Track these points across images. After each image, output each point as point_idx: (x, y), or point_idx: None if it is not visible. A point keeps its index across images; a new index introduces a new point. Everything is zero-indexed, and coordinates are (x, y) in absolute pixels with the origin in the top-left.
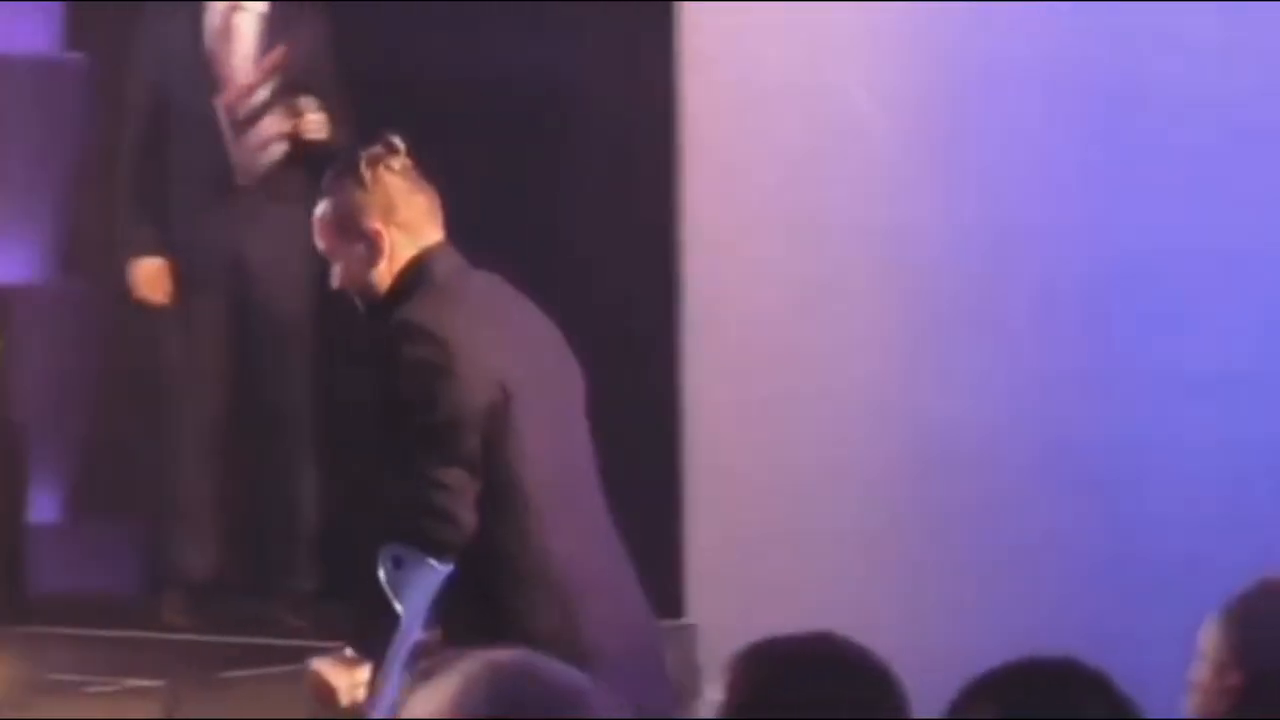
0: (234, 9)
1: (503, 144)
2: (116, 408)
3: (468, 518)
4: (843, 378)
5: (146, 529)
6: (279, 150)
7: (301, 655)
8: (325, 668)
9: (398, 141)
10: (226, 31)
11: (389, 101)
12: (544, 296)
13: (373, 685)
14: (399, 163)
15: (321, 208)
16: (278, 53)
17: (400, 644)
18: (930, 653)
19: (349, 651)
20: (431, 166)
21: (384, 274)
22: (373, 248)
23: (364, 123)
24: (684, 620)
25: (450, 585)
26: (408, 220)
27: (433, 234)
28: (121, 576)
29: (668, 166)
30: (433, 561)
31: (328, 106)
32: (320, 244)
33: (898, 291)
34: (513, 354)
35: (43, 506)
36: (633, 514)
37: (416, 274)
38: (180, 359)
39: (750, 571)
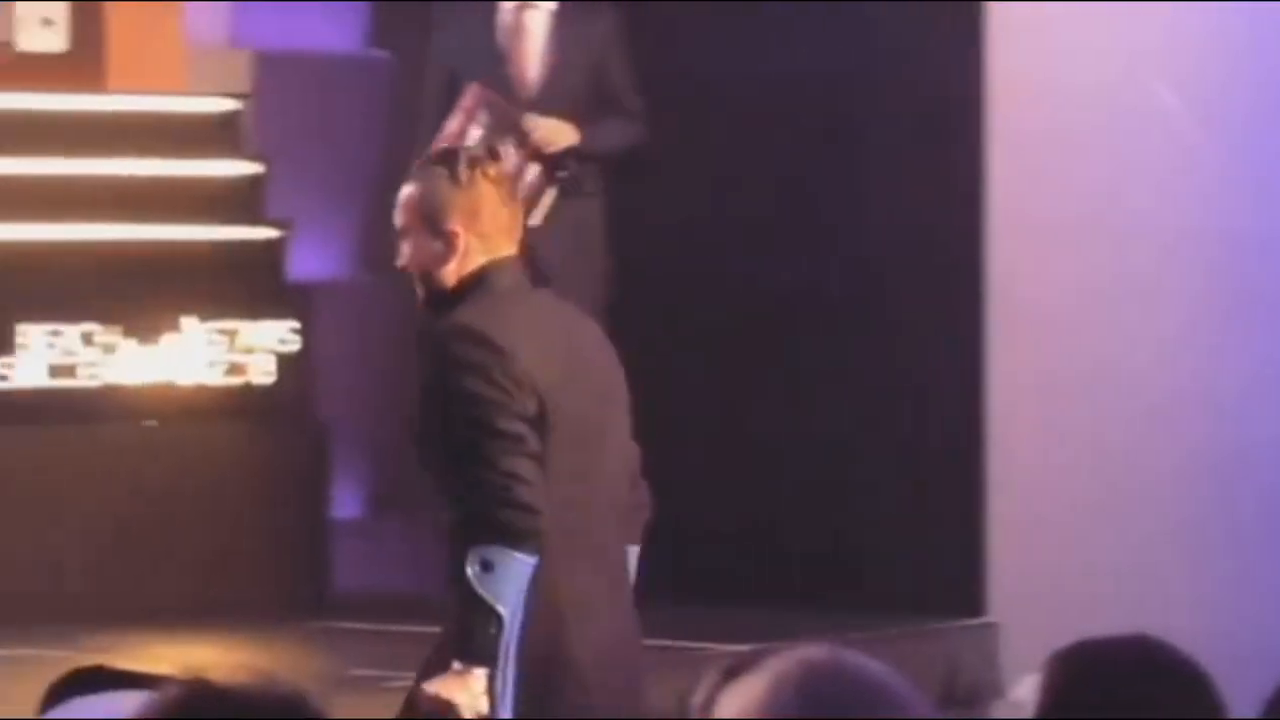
0: (524, 7)
1: (804, 141)
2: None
3: (544, 507)
4: (1147, 373)
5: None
6: (532, 172)
7: None
8: (441, 687)
9: (503, 150)
10: (518, 29)
11: (689, 98)
12: (847, 293)
13: (492, 690)
14: (496, 171)
15: (410, 188)
16: (472, 92)
17: (508, 642)
18: (1240, 649)
19: (456, 665)
20: (731, 162)
21: (451, 274)
22: (448, 247)
23: (662, 119)
24: (986, 619)
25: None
26: (488, 231)
27: (506, 248)
28: (422, 572)
29: (974, 164)
30: (519, 555)
31: (621, 103)
32: (398, 220)
33: (1198, 288)
34: (556, 371)
35: (345, 503)
36: (934, 512)
37: (480, 282)
38: None
39: (1052, 569)
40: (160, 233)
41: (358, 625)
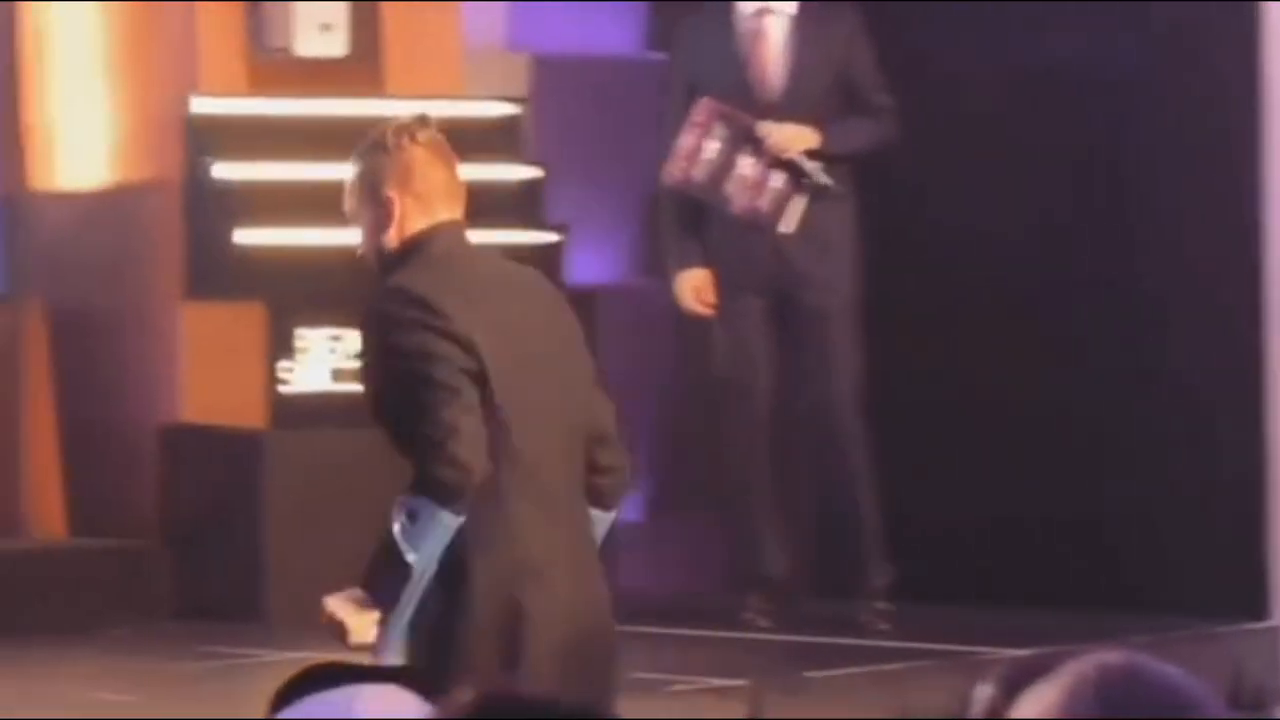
0: (764, 10)
1: (1082, 135)
2: (695, 407)
3: (480, 463)
4: None
5: (725, 528)
6: (777, 180)
7: (884, 656)
8: (339, 606)
9: (429, 116)
10: (757, 34)
11: (948, 94)
12: (1114, 288)
13: (381, 628)
14: (425, 135)
15: (350, 172)
16: (704, 107)
17: (410, 592)
18: None
19: (358, 593)
20: (990, 156)
21: (392, 239)
22: (385, 212)
23: (915, 115)
24: (1271, 622)
25: None
26: (422, 192)
27: (447, 211)
28: (701, 575)
29: (1250, 158)
30: (444, 512)
31: (869, 103)
32: (346, 207)
33: None
34: (493, 330)
35: (625, 506)
36: (1216, 515)
37: (418, 247)
38: (728, 359)
39: None
40: None
41: (639, 629)
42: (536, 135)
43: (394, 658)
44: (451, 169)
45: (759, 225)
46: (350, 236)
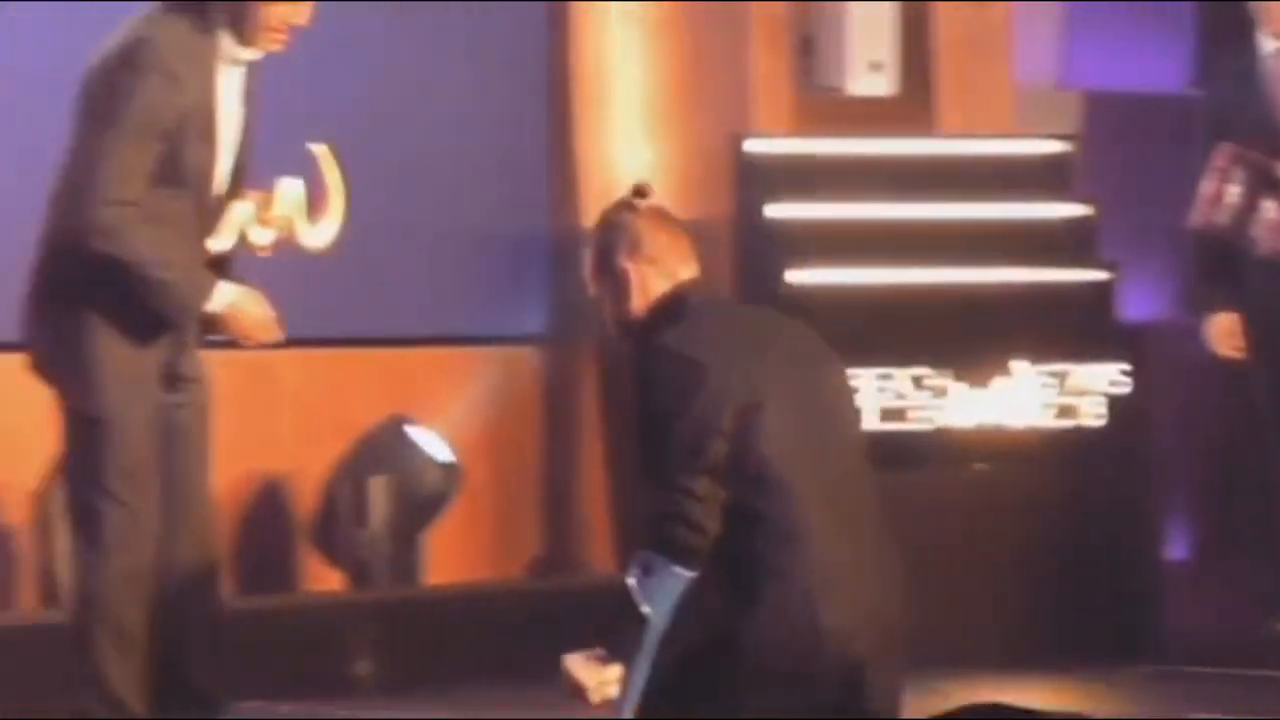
0: None
1: None
2: (1243, 444)
3: (713, 526)
4: None
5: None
6: None
7: None
8: (577, 665)
9: (645, 186)
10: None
11: None
12: None
13: (623, 683)
14: (644, 204)
15: (585, 257)
16: (1224, 153)
17: (647, 645)
18: None
19: (599, 650)
20: None
21: (637, 307)
22: (623, 282)
23: None
24: None
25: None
26: (654, 255)
27: (685, 271)
28: (1252, 613)
29: None
30: (678, 569)
31: None
32: (590, 289)
33: None
34: (760, 365)
35: (1175, 544)
36: None
37: (669, 307)
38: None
39: None
40: (989, 275)
41: (1192, 668)
42: (1087, 172)
43: (631, 712)
44: (677, 230)
45: None
46: (901, 275)
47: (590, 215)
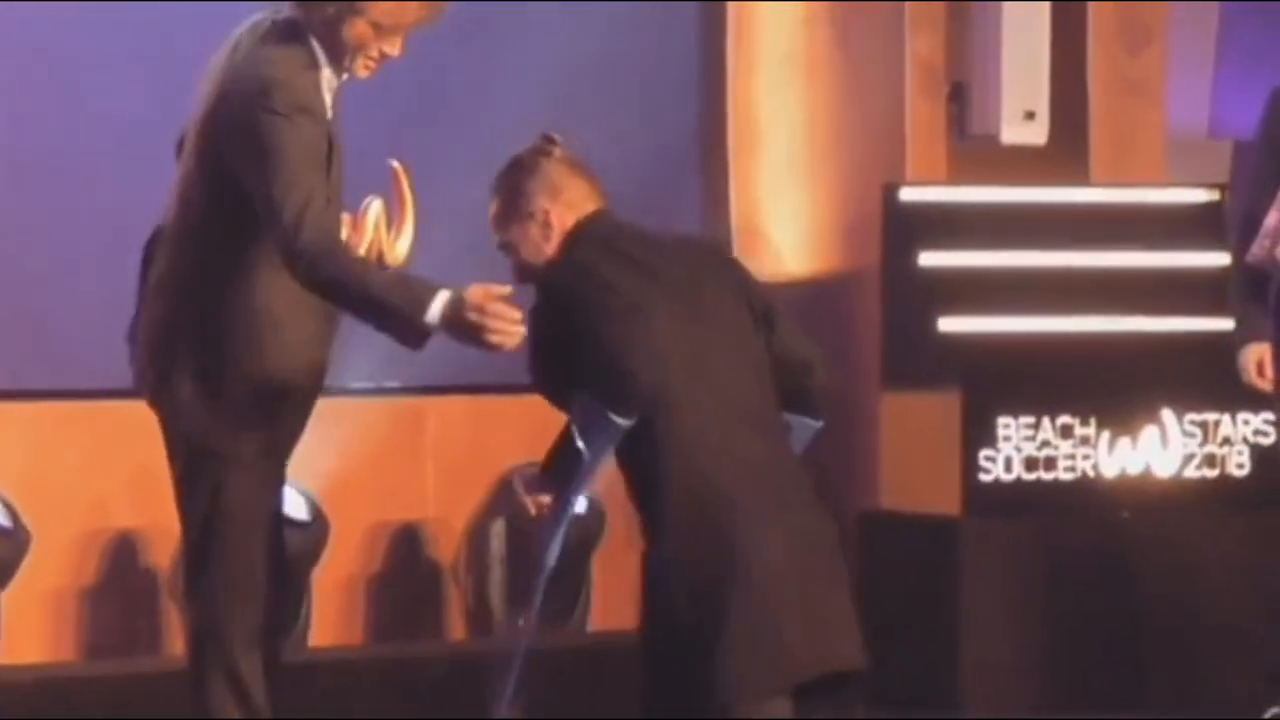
0: None
1: None
2: None
3: (650, 375)
4: None
5: None
6: None
7: None
8: (523, 481)
9: (554, 136)
10: None
11: None
12: None
13: (553, 508)
14: (560, 151)
15: (492, 207)
16: None
17: (580, 480)
18: None
19: (542, 475)
20: None
21: (551, 245)
22: (542, 224)
23: None
24: None
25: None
26: (572, 200)
27: (594, 206)
28: None
29: None
30: (614, 416)
31: None
32: (496, 237)
33: None
34: (638, 286)
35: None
36: None
37: (572, 238)
38: None
39: None
40: (1140, 325)
41: None
42: None
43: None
44: (590, 175)
45: None
46: (1051, 323)
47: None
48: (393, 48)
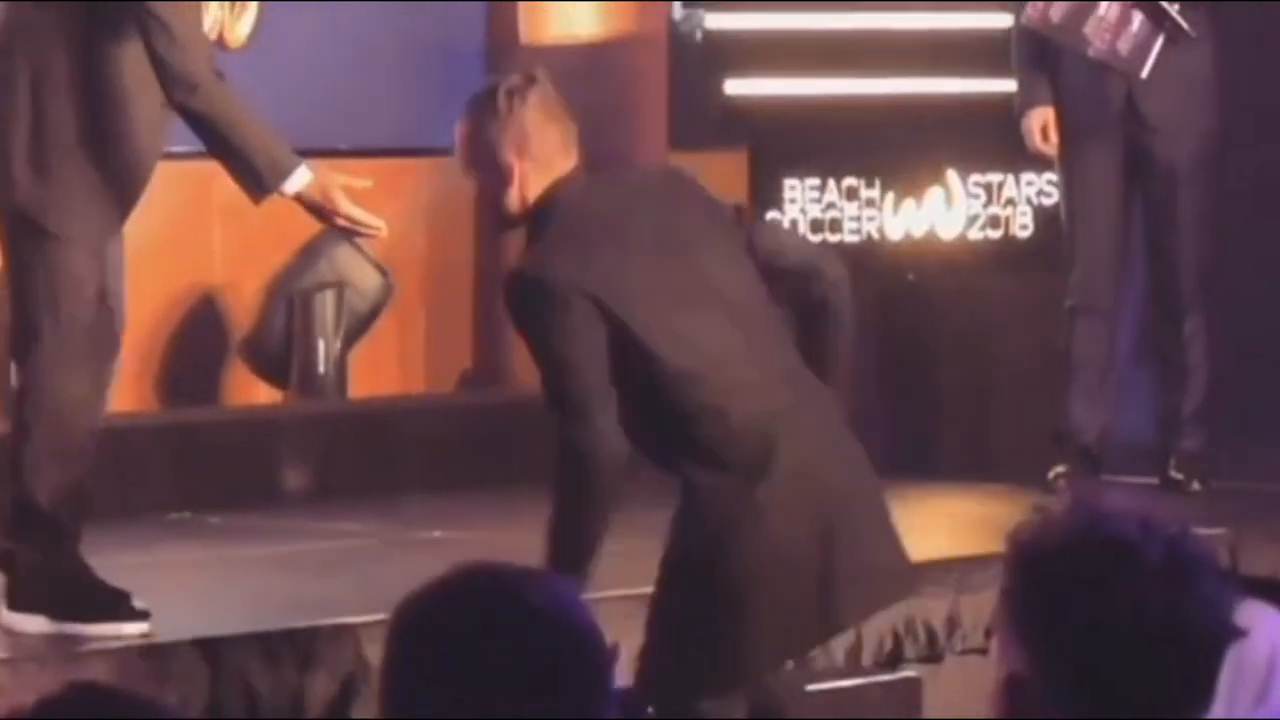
0: None
1: None
2: None
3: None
4: None
5: None
6: (1135, 21)
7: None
8: None
9: (538, 74)
10: None
11: None
12: None
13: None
14: (536, 95)
15: (460, 128)
16: None
17: None
18: None
19: None
20: None
21: (514, 201)
22: (506, 178)
23: None
24: None
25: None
26: (539, 154)
27: (564, 162)
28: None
29: None
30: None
31: None
32: (460, 163)
33: None
34: (620, 273)
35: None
36: None
37: (542, 212)
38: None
39: None
40: (924, 86)
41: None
42: None
43: None
44: (564, 122)
45: (1117, 69)
46: (835, 85)
47: (526, 29)
48: None
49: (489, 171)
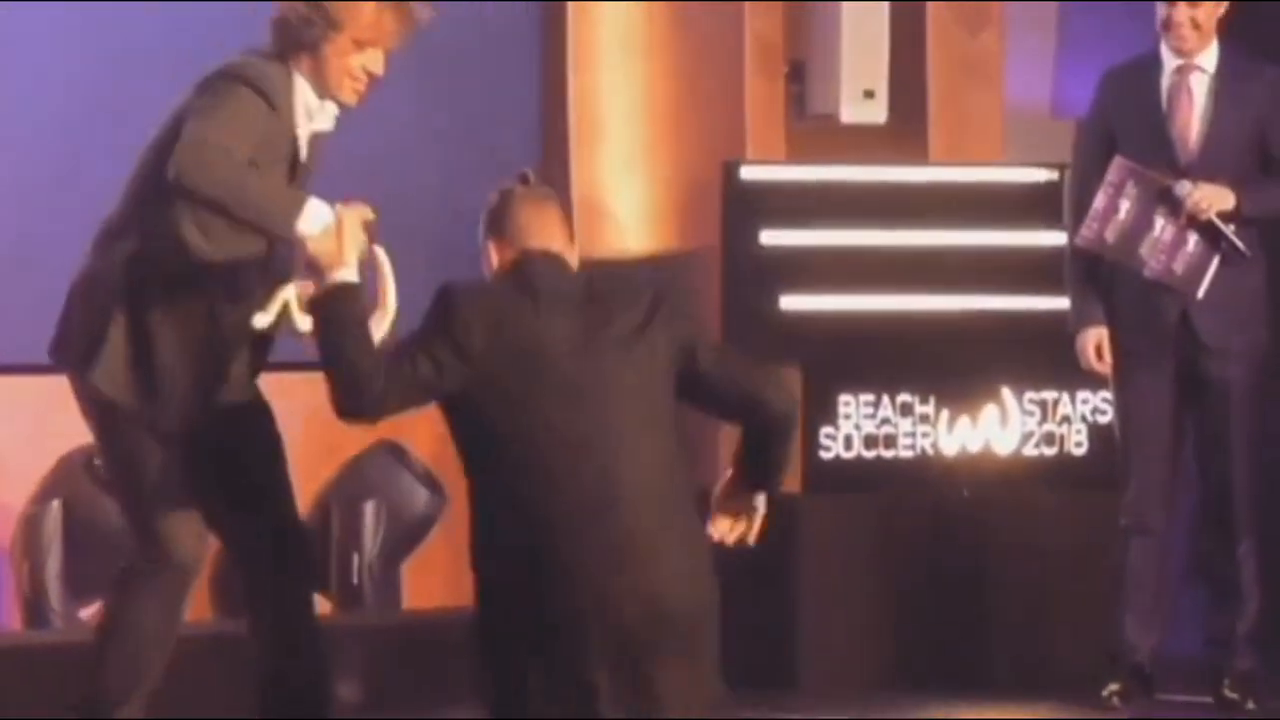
0: (1188, 66)
1: None
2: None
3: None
4: None
5: None
6: (1192, 242)
7: None
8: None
9: (526, 174)
10: (1179, 89)
11: None
12: None
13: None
14: (520, 189)
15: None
16: (1117, 166)
17: None
18: None
19: None
20: None
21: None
22: (484, 257)
23: None
24: None
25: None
26: (508, 232)
27: (536, 244)
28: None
29: None
30: None
31: None
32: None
33: None
34: (520, 353)
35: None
36: None
37: (500, 274)
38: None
39: None
40: (978, 303)
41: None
42: None
43: None
44: (542, 209)
45: (1173, 289)
46: (891, 302)
47: (582, 244)
48: (376, 65)
49: (482, 257)
